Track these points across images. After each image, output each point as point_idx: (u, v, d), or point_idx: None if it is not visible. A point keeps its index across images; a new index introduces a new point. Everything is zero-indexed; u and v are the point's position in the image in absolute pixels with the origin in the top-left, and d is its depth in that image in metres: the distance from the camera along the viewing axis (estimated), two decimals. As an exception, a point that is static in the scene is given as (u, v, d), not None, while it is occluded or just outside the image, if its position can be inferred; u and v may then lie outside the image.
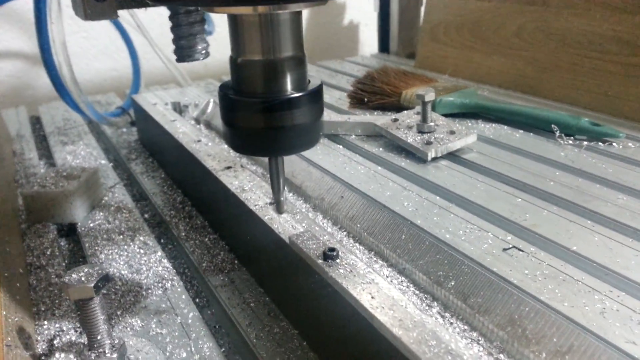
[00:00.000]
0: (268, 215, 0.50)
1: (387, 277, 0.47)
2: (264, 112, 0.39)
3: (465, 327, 0.40)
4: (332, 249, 0.41)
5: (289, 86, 0.39)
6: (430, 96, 0.81)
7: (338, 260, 0.40)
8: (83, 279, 0.38)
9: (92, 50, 1.52)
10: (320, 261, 0.40)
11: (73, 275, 0.39)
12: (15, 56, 1.43)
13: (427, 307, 0.44)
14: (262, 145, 0.40)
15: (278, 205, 0.45)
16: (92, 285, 0.38)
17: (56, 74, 0.80)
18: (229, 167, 0.61)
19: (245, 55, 0.39)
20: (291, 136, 0.40)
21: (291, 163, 0.63)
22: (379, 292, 0.36)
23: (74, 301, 0.40)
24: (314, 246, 0.42)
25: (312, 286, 0.42)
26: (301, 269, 0.43)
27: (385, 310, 0.34)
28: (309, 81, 0.41)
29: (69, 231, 0.70)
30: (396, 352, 0.32)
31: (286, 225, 0.49)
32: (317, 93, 0.41)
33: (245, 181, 0.57)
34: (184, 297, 0.53)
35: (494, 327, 0.38)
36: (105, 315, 0.41)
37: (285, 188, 0.45)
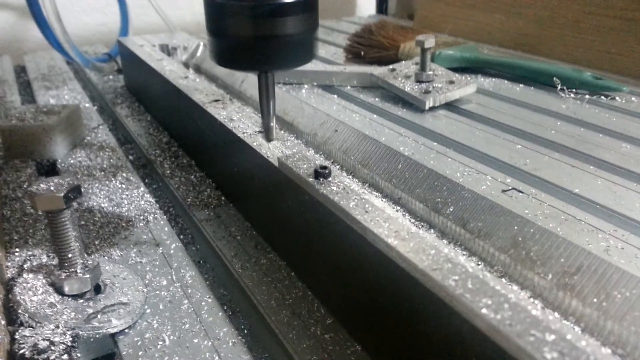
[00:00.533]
0: (257, 142, 0.47)
1: (381, 207, 0.45)
2: (254, 19, 0.35)
3: (464, 253, 0.38)
4: (324, 167, 0.38)
5: None
6: (430, 42, 0.78)
7: (330, 179, 0.37)
8: (52, 188, 0.35)
9: (81, 4, 1.47)
10: (311, 179, 0.37)
11: (41, 185, 0.36)
12: (0, 6, 1.38)
13: (423, 237, 0.41)
14: (251, 57, 0.37)
15: (267, 132, 0.42)
16: (62, 195, 0.35)
17: (38, 7, 0.76)
18: (217, 100, 0.58)
19: None
20: (283, 47, 0.37)
21: (283, 101, 0.60)
22: (373, 207, 0.34)
23: (42, 213, 0.37)
24: (305, 166, 0.39)
25: (301, 209, 0.39)
26: (291, 191, 0.40)
27: (380, 222, 0.32)
28: None
29: (49, 170, 0.66)
30: (391, 264, 0.29)
31: (275, 151, 0.46)
32: (312, 1, 0.37)
33: (234, 112, 0.54)
34: (166, 229, 0.51)
35: (495, 250, 0.35)
36: (78, 232, 0.38)
37: (275, 113, 0.42)
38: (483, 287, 0.25)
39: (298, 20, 0.36)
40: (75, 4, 1.46)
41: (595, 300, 0.29)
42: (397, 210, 0.43)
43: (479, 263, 0.36)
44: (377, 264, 0.31)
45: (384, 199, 0.46)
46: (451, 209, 0.39)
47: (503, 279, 0.34)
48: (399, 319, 0.30)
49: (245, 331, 0.40)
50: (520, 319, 0.23)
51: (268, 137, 0.43)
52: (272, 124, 0.42)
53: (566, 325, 0.24)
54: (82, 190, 0.55)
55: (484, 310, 0.24)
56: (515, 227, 0.35)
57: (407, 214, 0.43)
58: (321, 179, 0.37)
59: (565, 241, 0.33)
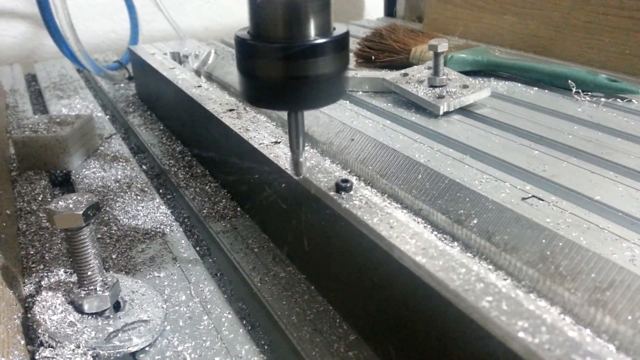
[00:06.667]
0: (273, 152, 0.46)
1: (401, 219, 0.44)
2: (285, 60, 0.34)
3: (490, 267, 0.37)
4: (346, 180, 0.37)
5: (312, 31, 0.35)
6: (443, 46, 0.77)
7: (352, 192, 0.37)
8: (71, 206, 0.35)
9: (90, 11, 1.47)
10: (332, 193, 0.37)
11: (60, 202, 0.35)
12: (11, 15, 1.38)
13: (445, 249, 0.40)
14: (281, 98, 0.36)
15: (296, 166, 0.41)
16: (81, 212, 0.34)
17: (50, 15, 0.76)
18: (231, 110, 0.57)
19: None
20: (314, 88, 0.36)
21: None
22: (398, 222, 0.33)
23: (61, 231, 0.37)
24: (325, 179, 0.39)
25: (322, 223, 0.39)
26: (311, 204, 0.40)
27: (407, 239, 0.31)
28: (334, 28, 0.37)
29: (63, 181, 0.66)
30: (420, 283, 0.29)
31: (293, 163, 0.45)
32: (344, 40, 0.36)
33: (249, 122, 0.54)
34: (183, 242, 0.50)
35: (522, 265, 0.34)
36: (97, 249, 0.37)
37: (304, 148, 0.40)
38: (518, 308, 0.25)
39: (329, 60, 0.35)
40: (84, 11, 1.46)
41: (629, 317, 0.29)
42: (418, 223, 0.43)
43: (506, 278, 0.35)
44: (403, 281, 0.30)
45: (404, 211, 0.45)
46: (475, 222, 0.38)
47: (531, 295, 0.34)
48: (428, 339, 0.30)
49: (266, 347, 0.39)
50: (559, 343, 0.23)
51: (297, 172, 0.41)
52: (301, 159, 0.41)
53: (605, 347, 0.23)
54: (99, 203, 0.55)
55: (520, 334, 0.23)
56: (543, 241, 0.35)
57: (428, 226, 0.42)
58: (342, 193, 0.37)
59: (595, 255, 0.32)
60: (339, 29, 0.37)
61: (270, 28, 0.35)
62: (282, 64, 0.35)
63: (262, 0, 0.35)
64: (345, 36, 0.36)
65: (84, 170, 0.65)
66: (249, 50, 0.36)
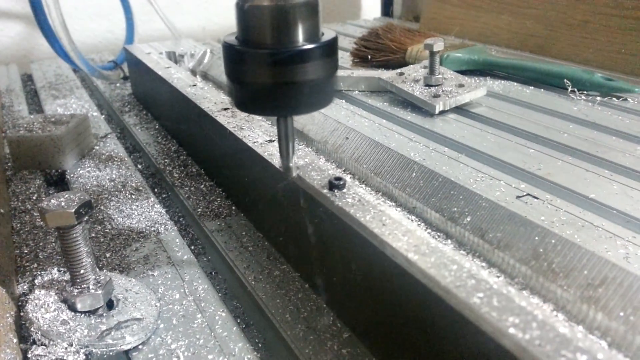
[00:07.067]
0: (267, 151, 0.46)
1: (396, 217, 0.44)
2: (273, 65, 0.34)
3: (483, 265, 0.37)
4: (339, 178, 0.37)
5: (300, 37, 0.35)
6: (439, 45, 0.77)
7: (345, 190, 0.37)
8: (63, 204, 0.35)
9: (87, 11, 1.47)
10: (325, 191, 0.37)
11: (52, 200, 0.35)
12: (7, 15, 1.38)
13: (439, 247, 0.40)
14: (270, 103, 0.36)
15: (286, 171, 0.41)
16: (73, 210, 0.34)
17: (43, 15, 0.75)
18: (226, 109, 0.57)
19: (253, 0, 0.34)
20: (303, 93, 0.35)
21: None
22: (390, 219, 0.33)
23: (53, 229, 0.37)
24: (318, 177, 0.39)
25: (316, 221, 0.39)
26: (304, 202, 0.40)
27: (399, 236, 0.31)
28: (323, 33, 0.37)
29: (58, 180, 0.66)
30: (412, 280, 0.29)
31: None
32: (332, 45, 0.36)
33: (243, 121, 0.54)
34: (177, 240, 0.50)
35: (515, 262, 0.34)
36: (89, 247, 0.37)
37: (295, 152, 0.40)
38: (509, 304, 0.25)
39: (317, 65, 0.35)
40: (80, 11, 1.45)
41: (621, 314, 0.29)
42: (412, 221, 0.43)
43: (499, 275, 0.35)
44: (396, 279, 0.30)
45: (398, 209, 0.45)
46: (468, 219, 0.38)
47: (524, 292, 0.34)
48: (421, 335, 0.30)
49: (260, 345, 0.39)
50: (550, 339, 0.23)
51: (286, 175, 0.41)
52: (291, 165, 0.41)
53: (596, 343, 0.23)
54: (92, 201, 0.55)
55: (511, 330, 0.23)
56: (536, 238, 0.35)
57: (422, 224, 0.42)
58: (336, 191, 0.37)
59: (588, 252, 0.32)
60: (327, 34, 0.37)
61: (258, 34, 0.35)
62: (270, 70, 0.35)
63: (249, 6, 0.35)
64: (333, 41, 0.36)
65: (78, 169, 0.65)
66: (237, 56, 0.35)
